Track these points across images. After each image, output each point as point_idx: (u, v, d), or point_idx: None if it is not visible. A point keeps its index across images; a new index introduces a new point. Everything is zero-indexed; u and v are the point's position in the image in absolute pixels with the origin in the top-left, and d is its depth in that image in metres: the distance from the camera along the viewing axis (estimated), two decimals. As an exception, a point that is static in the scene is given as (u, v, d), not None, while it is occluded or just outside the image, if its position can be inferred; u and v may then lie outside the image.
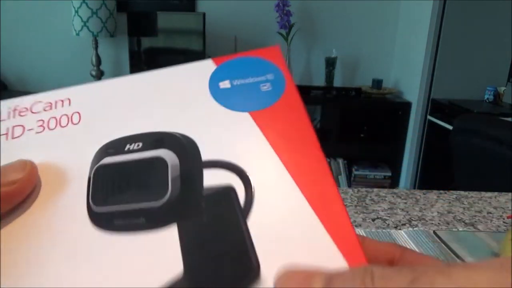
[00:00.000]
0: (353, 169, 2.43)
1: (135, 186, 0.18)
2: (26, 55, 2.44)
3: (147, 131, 0.20)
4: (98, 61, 2.34)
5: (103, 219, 0.18)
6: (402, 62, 2.48)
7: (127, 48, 2.38)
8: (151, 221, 0.17)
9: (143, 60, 2.38)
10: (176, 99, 0.21)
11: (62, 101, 0.21)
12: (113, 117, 0.20)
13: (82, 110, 0.21)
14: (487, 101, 2.18)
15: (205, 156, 0.19)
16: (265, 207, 0.18)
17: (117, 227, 0.17)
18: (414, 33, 2.30)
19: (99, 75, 2.36)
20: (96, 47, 2.31)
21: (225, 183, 0.18)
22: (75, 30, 2.21)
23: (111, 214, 0.18)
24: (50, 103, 0.21)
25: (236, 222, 0.17)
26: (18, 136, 0.20)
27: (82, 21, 2.18)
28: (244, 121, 0.20)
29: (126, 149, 0.19)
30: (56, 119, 0.21)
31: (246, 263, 0.16)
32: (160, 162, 0.19)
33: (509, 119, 1.59)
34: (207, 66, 0.22)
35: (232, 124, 0.20)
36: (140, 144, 0.19)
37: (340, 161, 2.40)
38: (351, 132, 2.41)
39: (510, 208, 0.61)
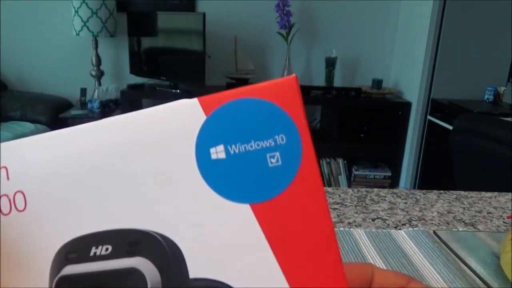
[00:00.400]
0: (353, 169, 2.43)
1: None
2: (26, 55, 2.44)
3: (115, 223, 0.15)
4: (98, 61, 2.34)
5: None
6: (402, 62, 2.48)
7: (127, 48, 2.38)
8: None
9: (143, 60, 2.39)
10: (150, 174, 0.15)
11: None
12: (69, 199, 0.15)
13: (25, 187, 0.15)
14: (487, 101, 2.18)
15: (192, 269, 0.15)
16: None
17: None
18: (414, 33, 2.30)
19: (99, 75, 2.37)
20: (96, 47, 2.31)
21: None
22: (75, 30, 2.22)
23: None
24: None
25: None
26: None
27: (82, 21, 2.18)
28: (243, 218, 0.14)
29: (91, 254, 0.15)
30: None
31: None
32: (136, 276, 0.15)
33: (509, 119, 1.59)
34: (192, 116, 0.15)
35: (226, 221, 0.15)
36: (109, 248, 0.15)
37: (340, 161, 2.41)
38: (351, 132, 2.41)
39: (510, 208, 0.61)
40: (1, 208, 0.15)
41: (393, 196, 0.63)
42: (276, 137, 0.14)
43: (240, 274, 0.14)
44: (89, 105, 2.26)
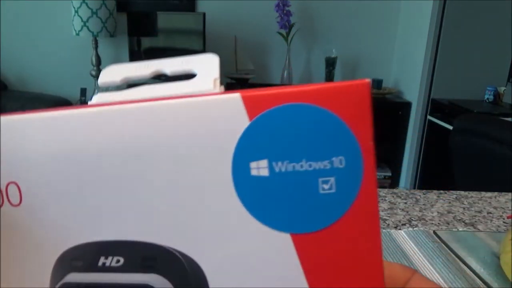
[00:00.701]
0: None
1: None
2: (26, 55, 2.44)
3: (127, 234, 0.13)
4: (98, 61, 2.34)
5: None
6: (402, 62, 2.48)
7: (127, 48, 2.38)
8: None
9: (143, 60, 2.38)
10: (174, 182, 0.12)
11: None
12: (74, 199, 0.13)
13: (20, 179, 0.13)
14: (487, 101, 2.18)
15: None
16: None
17: None
18: (414, 33, 2.30)
19: (99, 75, 2.36)
20: (96, 47, 2.31)
21: None
22: (75, 30, 2.21)
23: None
24: None
25: None
26: None
27: (82, 21, 2.18)
28: (279, 248, 0.12)
29: (100, 264, 0.13)
30: None
31: None
32: None
33: (509, 119, 1.59)
34: (233, 118, 0.12)
35: (259, 248, 0.12)
36: (121, 261, 0.13)
37: (340, 161, 2.40)
38: (351, 132, 2.41)
39: (510, 208, 0.61)
40: None
41: (393, 196, 0.63)
42: (334, 159, 0.11)
43: None
44: (89, 105, 2.26)
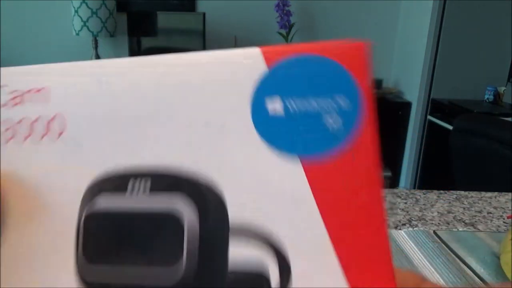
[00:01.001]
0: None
1: (139, 245, 0.14)
2: (26, 55, 2.44)
3: (158, 162, 0.14)
4: (98, 61, 2.34)
5: (96, 284, 0.14)
6: (402, 62, 2.48)
7: (127, 48, 2.38)
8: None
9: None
10: (200, 119, 0.14)
11: (39, 90, 0.15)
12: (112, 131, 0.15)
13: (67, 112, 0.15)
14: (487, 101, 2.18)
15: (233, 216, 0.14)
16: None
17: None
18: (414, 33, 2.31)
19: (99, 75, 2.37)
20: (96, 47, 2.31)
21: (256, 267, 0.14)
22: (75, 30, 2.22)
23: (106, 285, 0.14)
24: (20, 92, 0.15)
25: None
26: None
27: (82, 21, 2.18)
28: (291, 172, 0.14)
29: (129, 187, 0.14)
30: (28, 125, 0.15)
31: None
32: (173, 218, 0.14)
33: (509, 119, 1.59)
34: (253, 66, 0.14)
35: (272, 172, 0.14)
36: (148, 183, 0.14)
37: (340, 161, 2.40)
38: (351, 132, 2.41)
39: (510, 208, 0.61)
40: (35, 131, 0.15)
41: (393, 196, 0.63)
42: (338, 97, 0.14)
43: (282, 222, 0.14)
44: (89, 105, 2.26)
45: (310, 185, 0.14)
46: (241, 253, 0.14)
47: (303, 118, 0.14)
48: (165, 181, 0.14)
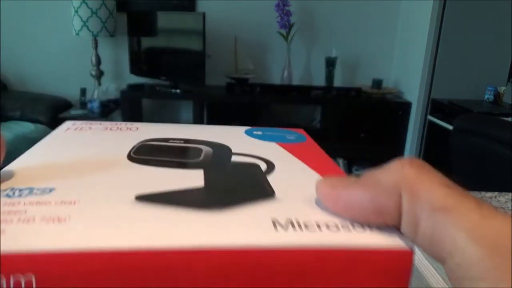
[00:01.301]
0: (353, 169, 2.43)
1: (172, 154, 0.22)
2: (26, 55, 2.44)
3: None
4: (98, 61, 2.34)
5: (141, 159, 0.21)
6: (402, 62, 2.48)
7: (127, 48, 2.38)
8: (182, 166, 0.20)
9: (143, 60, 2.38)
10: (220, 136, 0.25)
11: (130, 129, 0.26)
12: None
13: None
14: (487, 101, 2.18)
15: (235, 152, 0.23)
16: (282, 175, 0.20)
17: (152, 162, 0.20)
18: (414, 33, 2.30)
19: (98, 75, 2.36)
20: (96, 47, 2.31)
21: (251, 162, 0.21)
22: (75, 30, 2.22)
23: (146, 160, 0.21)
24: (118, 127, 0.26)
25: (256, 173, 0.20)
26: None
27: (82, 21, 2.18)
28: (271, 145, 0.24)
29: (169, 140, 0.24)
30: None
31: (262, 190, 0.18)
32: (196, 150, 0.23)
33: (509, 119, 1.59)
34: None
35: (260, 145, 0.24)
36: (182, 141, 0.24)
37: (340, 161, 2.40)
38: (351, 132, 2.41)
39: (510, 208, 0.61)
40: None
41: (393, 196, 0.63)
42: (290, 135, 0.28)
43: (270, 157, 0.22)
44: (89, 105, 2.26)
45: (284, 148, 0.24)
46: (241, 158, 0.22)
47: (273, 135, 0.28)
48: (192, 141, 0.24)
